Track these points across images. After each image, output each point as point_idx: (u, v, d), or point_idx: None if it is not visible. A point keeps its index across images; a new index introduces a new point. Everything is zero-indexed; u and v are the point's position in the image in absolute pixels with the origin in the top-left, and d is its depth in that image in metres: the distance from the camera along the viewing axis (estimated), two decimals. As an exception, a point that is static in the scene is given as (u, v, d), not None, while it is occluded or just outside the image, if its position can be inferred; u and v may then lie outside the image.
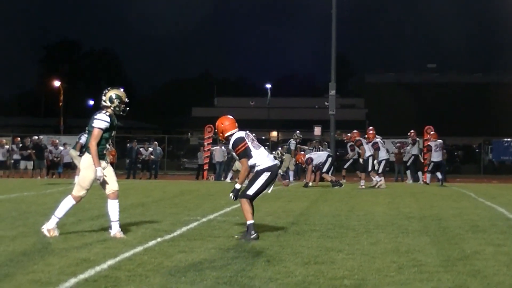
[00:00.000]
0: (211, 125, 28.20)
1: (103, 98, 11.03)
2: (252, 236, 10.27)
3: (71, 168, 36.20)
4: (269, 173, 10.77)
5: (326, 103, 45.48)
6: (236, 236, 10.72)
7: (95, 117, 10.84)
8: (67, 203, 10.87)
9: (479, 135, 66.50)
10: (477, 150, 56.69)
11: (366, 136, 27.16)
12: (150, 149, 39.23)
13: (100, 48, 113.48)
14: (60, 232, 10.82)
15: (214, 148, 37.41)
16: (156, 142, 41.25)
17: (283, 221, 13.17)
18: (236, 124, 11.23)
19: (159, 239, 10.40)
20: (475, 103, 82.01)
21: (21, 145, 38.21)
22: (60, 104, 73.02)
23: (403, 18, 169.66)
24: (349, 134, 28.42)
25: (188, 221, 13.04)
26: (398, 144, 39.37)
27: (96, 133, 10.71)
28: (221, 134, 11.13)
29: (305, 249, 9.58)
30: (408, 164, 31.30)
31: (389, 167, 39.36)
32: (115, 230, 10.74)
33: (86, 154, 10.83)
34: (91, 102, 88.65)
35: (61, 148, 38.51)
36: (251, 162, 10.80)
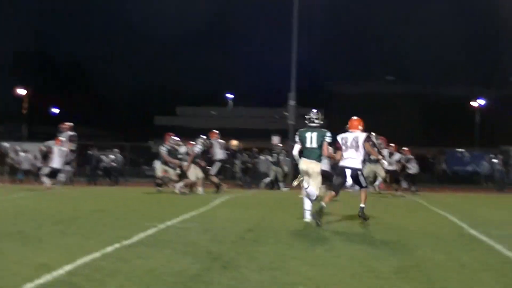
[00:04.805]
0: (172, 133, 28.05)
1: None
2: None
3: (32, 175, 36.19)
4: None
5: (285, 113, 45.67)
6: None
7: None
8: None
9: (433, 145, 67.33)
10: (431, 160, 57.36)
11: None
12: (112, 156, 39.27)
13: (67, 56, 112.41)
14: (19, 236, 10.85)
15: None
16: (117, 150, 41.30)
17: (241, 228, 13.25)
18: None
19: (117, 245, 10.44)
20: (430, 114, 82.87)
21: (-18, 151, 38.07)
22: (24, 111, 72.73)
23: (366, 29, 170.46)
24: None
25: (147, 227, 13.06)
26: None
27: None
28: None
29: (261, 255, 9.70)
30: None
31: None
32: None
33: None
34: (56, 110, 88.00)
35: (22, 154, 38.34)
36: None
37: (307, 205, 15.08)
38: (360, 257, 9.73)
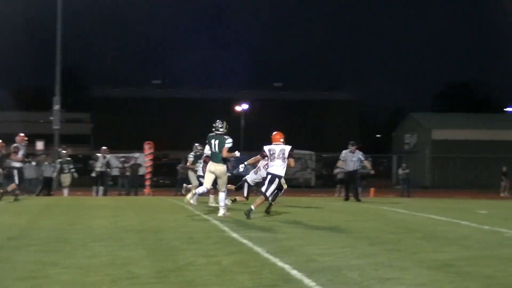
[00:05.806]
0: None
1: None
2: None
3: None
4: None
5: (51, 118, 44.95)
6: None
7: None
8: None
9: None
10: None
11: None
12: None
13: None
14: None
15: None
16: None
17: (2, 236, 12.96)
18: None
19: None
20: (196, 118, 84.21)
21: None
22: None
23: (134, 35, 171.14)
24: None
25: None
26: (122, 159, 39.98)
27: None
28: None
29: (21, 264, 9.59)
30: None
31: (112, 182, 39.65)
32: None
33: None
34: None
35: None
36: None
37: (199, 190, 18.85)
38: (120, 263, 9.83)
